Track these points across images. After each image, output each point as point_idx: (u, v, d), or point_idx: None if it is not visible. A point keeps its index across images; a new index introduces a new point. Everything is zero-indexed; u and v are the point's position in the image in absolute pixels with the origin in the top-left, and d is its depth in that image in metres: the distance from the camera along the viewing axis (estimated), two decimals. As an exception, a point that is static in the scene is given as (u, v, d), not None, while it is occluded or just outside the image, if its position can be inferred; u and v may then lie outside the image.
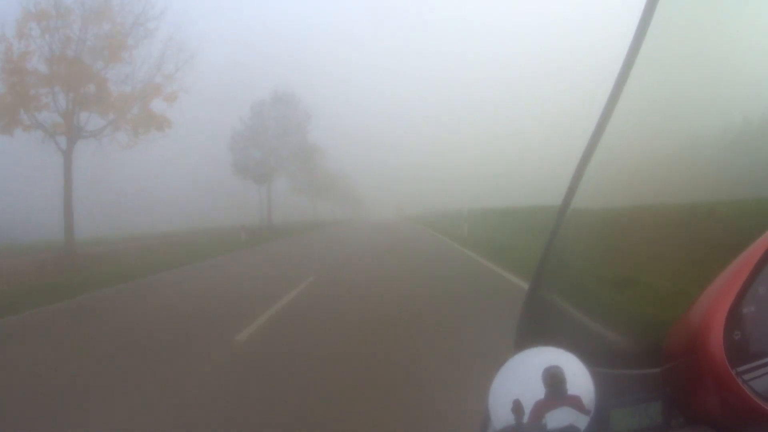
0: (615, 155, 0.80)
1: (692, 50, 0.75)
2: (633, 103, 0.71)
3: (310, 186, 57.66)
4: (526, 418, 0.66)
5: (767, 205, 0.96)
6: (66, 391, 4.03)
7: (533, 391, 0.67)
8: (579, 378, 0.68)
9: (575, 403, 0.67)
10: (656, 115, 0.82)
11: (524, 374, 0.69)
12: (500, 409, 0.67)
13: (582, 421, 0.66)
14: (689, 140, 0.88)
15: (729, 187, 1.00)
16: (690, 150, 0.89)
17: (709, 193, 1.00)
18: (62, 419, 3.48)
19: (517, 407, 0.66)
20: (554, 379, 0.67)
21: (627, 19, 0.76)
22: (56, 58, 15.26)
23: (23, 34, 14.93)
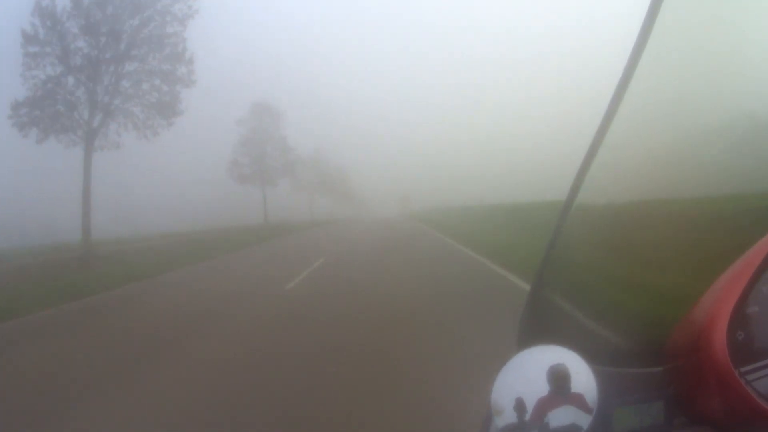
0: (619, 152, 0.79)
1: (696, 48, 0.74)
2: (637, 101, 0.70)
3: (260, 168, 39.88)
4: (528, 416, 0.66)
5: None
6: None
7: (536, 389, 0.67)
8: (582, 376, 0.68)
9: (578, 401, 0.67)
10: (660, 113, 0.82)
11: (527, 372, 0.69)
12: (503, 407, 0.67)
13: (584, 419, 0.66)
14: (693, 138, 0.87)
15: (733, 185, 0.99)
16: (694, 148, 0.89)
17: (714, 190, 1.00)
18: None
19: (519, 405, 0.66)
20: (559, 378, 0.67)
21: (631, 18, 0.76)
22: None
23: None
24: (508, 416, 0.67)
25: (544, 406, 0.66)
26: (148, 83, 19.33)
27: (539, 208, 17.54)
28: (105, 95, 18.14)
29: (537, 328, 0.88)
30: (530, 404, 0.66)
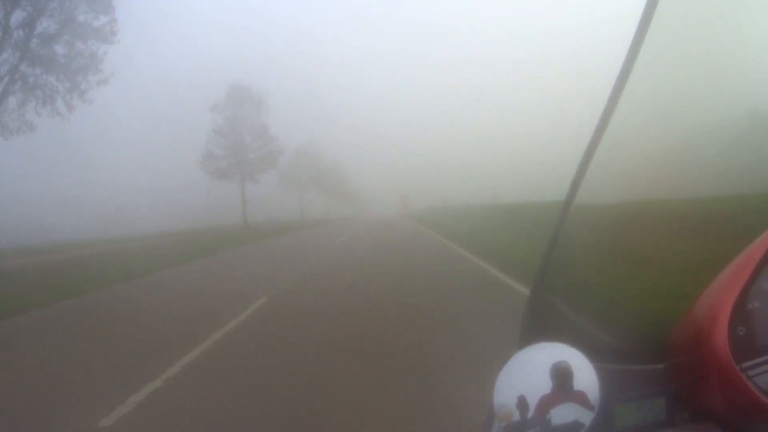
0: (617, 152, 0.80)
1: (694, 47, 0.74)
2: (635, 100, 0.71)
3: (238, 161, 34.73)
4: (530, 414, 0.66)
5: None
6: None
7: (538, 387, 0.67)
8: (584, 373, 0.68)
9: (580, 398, 0.67)
10: (658, 112, 0.82)
11: (530, 369, 0.69)
12: (505, 405, 0.68)
13: (586, 416, 0.67)
14: (692, 137, 0.88)
15: (732, 183, 1.00)
16: (693, 146, 0.89)
17: (713, 188, 1.00)
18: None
19: (521, 403, 0.67)
20: (562, 375, 0.67)
21: (629, 17, 0.76)
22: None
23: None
24: (511, 414, 0.67)
25: (547, 403, 0.66)
26: (53, 38, 13.08)
27: (540, 207, 17.41)
28: (3, 56, 12.12)
29: (538, 326, 0.88)
30: (532, 402, 0.67)
